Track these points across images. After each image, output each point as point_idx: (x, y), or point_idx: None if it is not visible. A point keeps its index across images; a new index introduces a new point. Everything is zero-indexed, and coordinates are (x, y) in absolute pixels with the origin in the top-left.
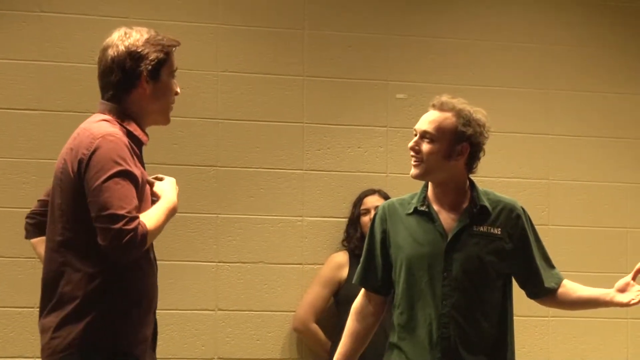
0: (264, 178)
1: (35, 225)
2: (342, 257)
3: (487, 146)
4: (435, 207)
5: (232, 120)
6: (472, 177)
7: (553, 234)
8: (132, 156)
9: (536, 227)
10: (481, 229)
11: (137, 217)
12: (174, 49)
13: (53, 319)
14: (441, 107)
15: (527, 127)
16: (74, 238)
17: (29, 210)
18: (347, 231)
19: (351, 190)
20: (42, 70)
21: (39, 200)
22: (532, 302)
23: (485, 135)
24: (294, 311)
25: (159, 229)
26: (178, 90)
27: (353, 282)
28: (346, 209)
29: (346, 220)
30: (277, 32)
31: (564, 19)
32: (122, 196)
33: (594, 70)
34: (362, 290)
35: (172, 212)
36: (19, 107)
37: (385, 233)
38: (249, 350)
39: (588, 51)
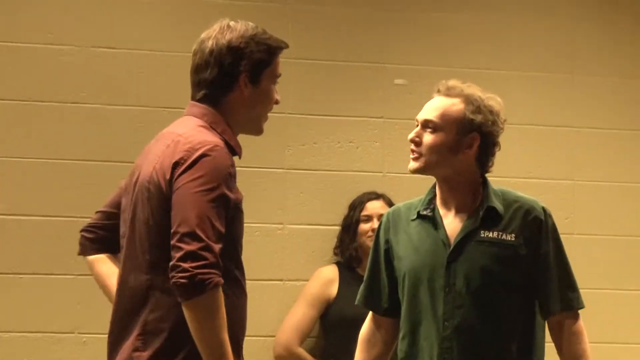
0: (238, 178)
1: (95, 240)
2: (331, 271)
3: (501, 141)
4: (442, 210)
5: None
6: None
7: (578, 244)
8: (233, 175)
9: None
10: (490, 234)
11: (216, 249)
12: (280, 51)
13: (141, 353)
14: (447, 93)
15: (548, 118)
16: (165, 257)
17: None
18: (340, 238)
19: (341, 193)
20: None
21: (98, 212)
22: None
23: (499, 125)
24: (273, 336)
25: (208, 323)
26: (278, 98)
27: (356, 303)
28: (335, 215)
29: (334, 228)
30: (256, 7)
31: None
32: (207, 219)
33: (628, 51)
34: (370, 315)
35: (221, 349)
36: None
37: (388, 244)
38: None
39: (622, 28)
